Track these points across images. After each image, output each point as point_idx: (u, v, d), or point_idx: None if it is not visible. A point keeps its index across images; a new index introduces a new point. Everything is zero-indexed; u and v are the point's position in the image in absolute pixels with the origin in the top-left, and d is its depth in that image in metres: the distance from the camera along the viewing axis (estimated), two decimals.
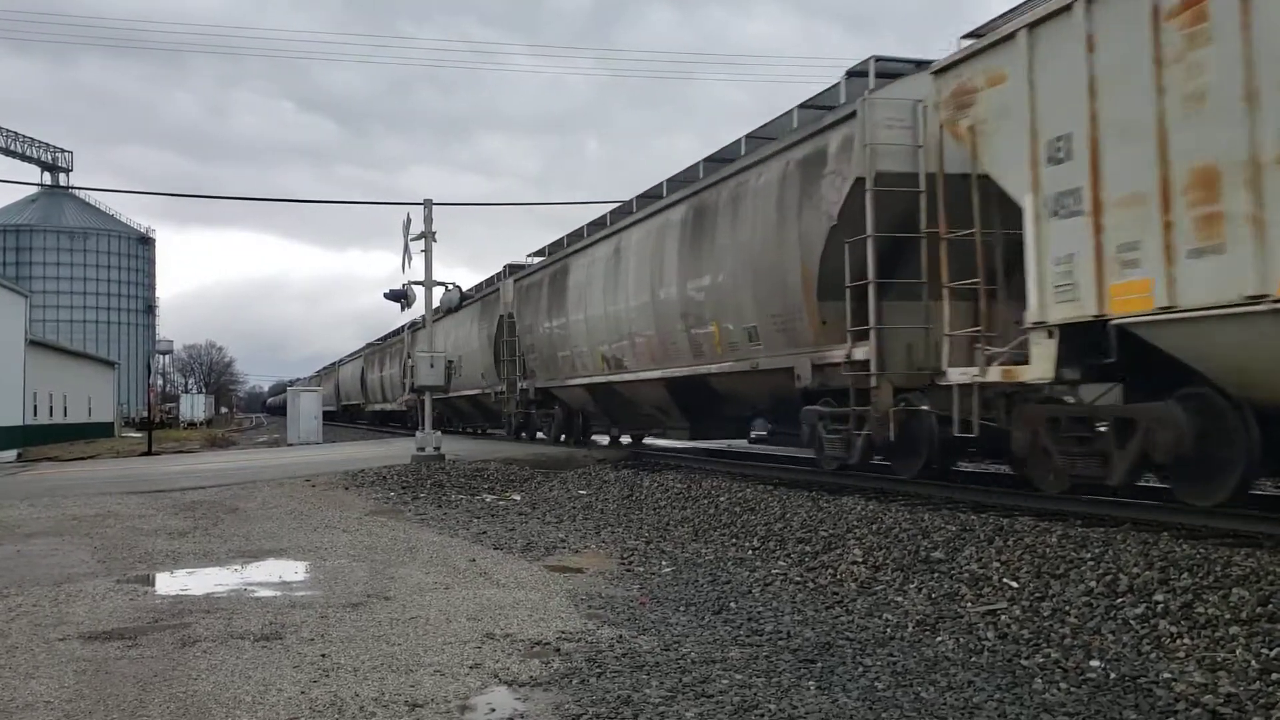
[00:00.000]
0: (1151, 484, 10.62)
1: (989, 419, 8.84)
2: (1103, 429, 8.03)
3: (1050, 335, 7.85)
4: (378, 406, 48.11)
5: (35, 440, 40.28)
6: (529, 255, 23.92)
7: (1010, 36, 8.12)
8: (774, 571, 8.15)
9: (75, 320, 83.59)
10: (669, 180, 16.01)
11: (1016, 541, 7.37)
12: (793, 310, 11.45)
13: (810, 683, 4.99)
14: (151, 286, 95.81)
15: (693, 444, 18.49)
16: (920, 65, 10.18)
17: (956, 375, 9.07)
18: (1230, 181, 6.23)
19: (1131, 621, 5.70)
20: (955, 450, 10.25)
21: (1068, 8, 7.46)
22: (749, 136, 13.58)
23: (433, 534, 10.62)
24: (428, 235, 19.01)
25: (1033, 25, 7.86)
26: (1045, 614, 6.11)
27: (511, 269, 24.55)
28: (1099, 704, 4.65)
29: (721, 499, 11.49)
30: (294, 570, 8.51)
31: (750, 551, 9.14)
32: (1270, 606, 5.39)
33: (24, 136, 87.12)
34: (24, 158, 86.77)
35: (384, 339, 46.78)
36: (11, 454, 32.01)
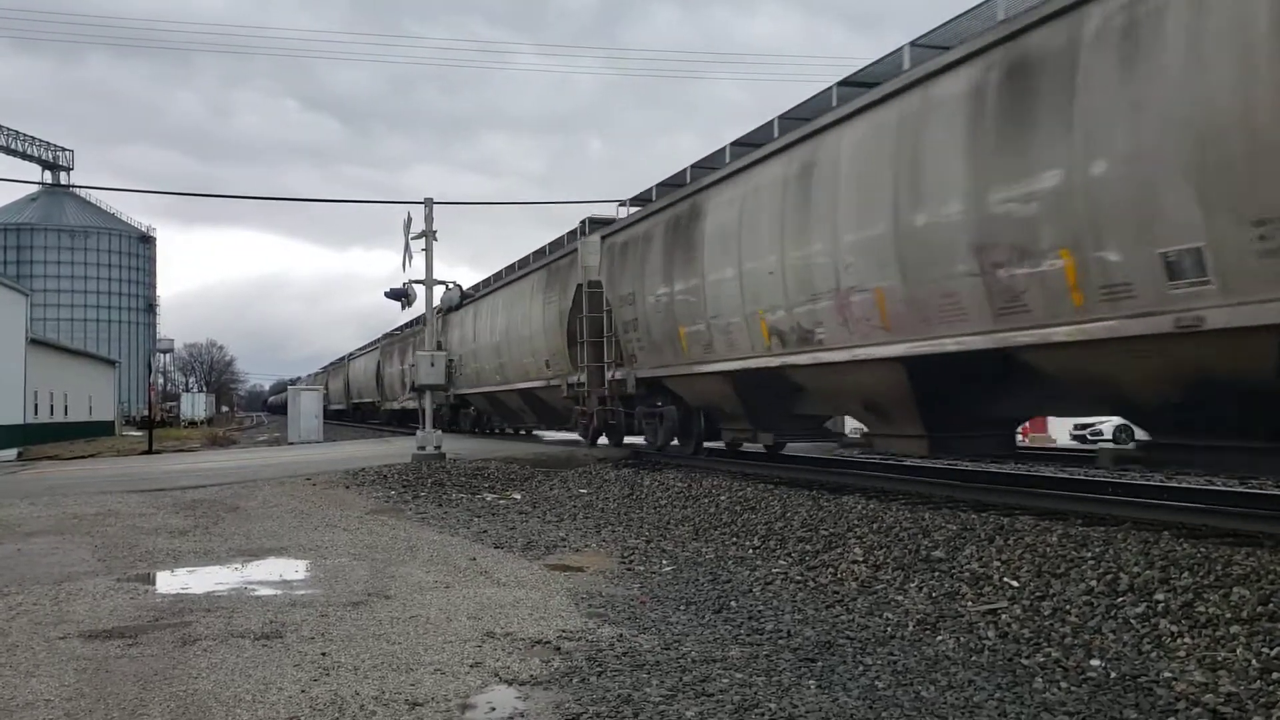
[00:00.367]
0: (1153, 483, 10.62)
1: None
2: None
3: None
4: (396, 404, 42.88)
5: (36, 439, 40.31)
6: (622, 204, 18.09)
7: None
8: (774, 570, 8.15)
9: (76, 319, 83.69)
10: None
11: (1017, 540, 7.37)
12: None
13: (811, 681, 4.99)
14: (152, 285, 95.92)
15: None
16: None
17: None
18: None
19: (1132, 620, 5.69)
20: None
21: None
22: None
23: (433, 533, 10.63)
24: (428, 234, 19.01)
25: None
26: (1046, 613, 6.11)
27: (594, 223, 19.38)
28: (1099, 703, 4.64)
29: (722, 498, 11.49)
30: (294, 569, 8.51)
31: (751, 550, 9.14)
32: (1271, 605, 5.39)
33: (25, 135, 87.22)
34: (25, 156, 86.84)
35: (405, 328, 41.57)
36: (12, 453, 32.02)
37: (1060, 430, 27.35)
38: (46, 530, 10.91)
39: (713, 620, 6.44)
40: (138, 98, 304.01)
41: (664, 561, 8.77)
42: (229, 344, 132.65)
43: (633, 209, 17.37)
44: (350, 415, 59.56)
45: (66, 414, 50.15)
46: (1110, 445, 19.51)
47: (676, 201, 14.72)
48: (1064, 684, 4.95)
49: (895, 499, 9.99)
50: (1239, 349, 6.56)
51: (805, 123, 11.44)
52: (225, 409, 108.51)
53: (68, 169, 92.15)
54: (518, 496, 14.35)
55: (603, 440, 20.04)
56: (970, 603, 6.58)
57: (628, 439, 19.08)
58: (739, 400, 13.62)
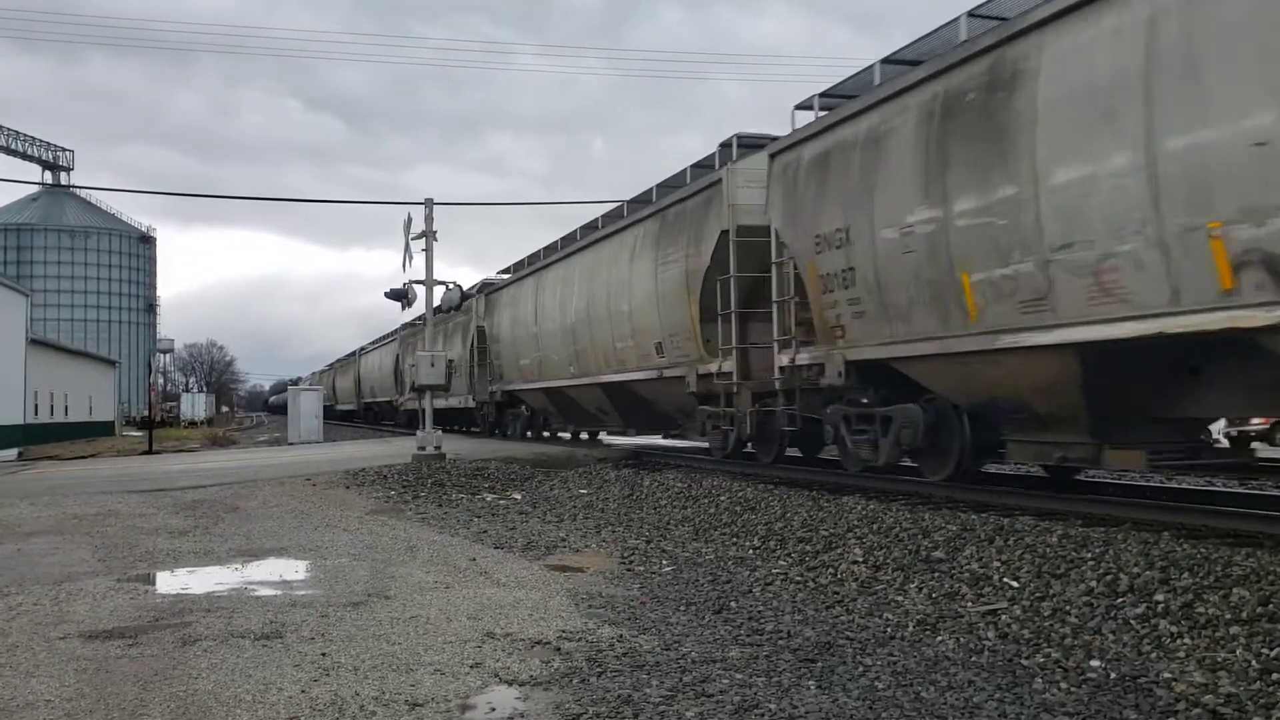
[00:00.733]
0: (1153, 483, 10.63)
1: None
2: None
3: None
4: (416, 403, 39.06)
5: (36, 439, 40.30)
6: (804, 107, 11.84)
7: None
8: (774, 571, 8.15)
9: (76, 319, 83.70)
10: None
11: (1017, 541, 7.37)
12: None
13: (810, 682, 4.99)
14: (152, 285, 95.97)
15: (693, 443, 18.35)
16: None
17: None
18: None
19: (1132, 621, 5.69)
20: None
21: None
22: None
23: (433, 533, 10.63)
24: (428, 234, 19.02)
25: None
26: (1046, 614, 6.11)
27: (748, 143, 14.22)
28: (1099, 704, 4.65)
29: (722, 498, 11.49)
30: (294, 569, 8.51)
31: (751, 551, 9.14)
32: (1271, 606, 5.39)
33: (25, 135, 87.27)
34: (25, 156, 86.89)
35: (436, 312, 37.32)
36: (12, 453, 32.02)
37: None
38: (46, 530, 10.91)
39: (713, 621, 6.45)
40: (139, 97, 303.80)
41: (664, 562, 8.78)
42: (229, 344, 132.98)
43: (821, 112, 11.50)
44: (363, 416, 53.87)
45: (66, 414, 50.15)
46: None
47: (956, 65, 8.83)
48: (1064, 684, 4.96)
49: (895, 499, 9.99)
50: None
51: None
52: (225, 409, 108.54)
53: (68, 169, 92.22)
54: (518, 497, 14.35)
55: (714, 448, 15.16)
56: (970, 603, 6.58)
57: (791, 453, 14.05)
58: (1081, 394, 8.12)
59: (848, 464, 11.56)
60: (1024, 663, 5.37)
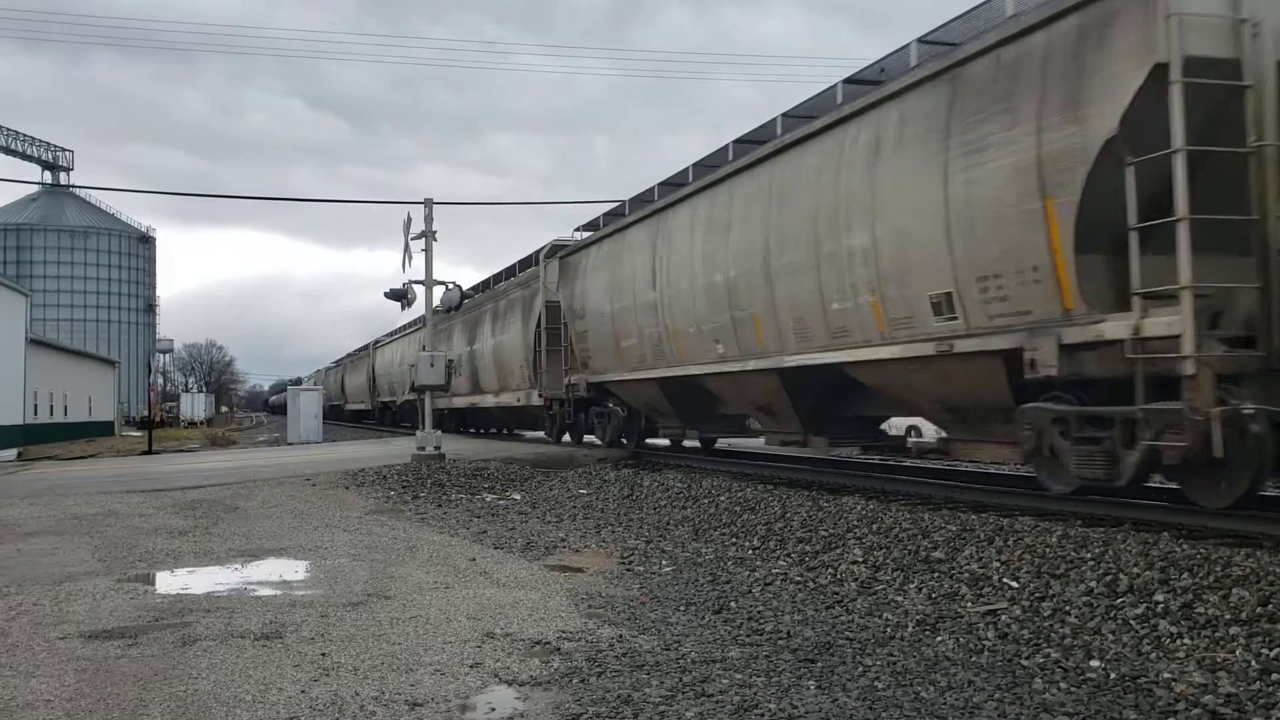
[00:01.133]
0: (1151, 483, 10.62)
1: None
2: None
3: None
4: (462, 400, 29.56)
5: (36, 439, 40.32)
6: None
7: None
8: (774, 571, 8.15)
9: (76, 319, 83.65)
10: None
11: (1016, 541, 7.37)
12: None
13: (810, 682, 4.99)
14: (152, 285, 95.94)
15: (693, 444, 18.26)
16: None
17: None
18: None
19: (1131, 621, 5.70)
20: None
21: None
22: None
23: (433, 533, 10.63)
24: (428, 234, 19.02)
25: None
26: (1045, 614, 6.11)
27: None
28: (1099, 704, 4.65)
29: (722, 499, 11.49)
30: (294, 569, 8.51)
31: (750, 551, 9.14)
32: (1270, 607, 5.40)
33: (25, 135, 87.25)
34: (25, 157, 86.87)
35: (487, 286, 28.00)
36: (12, 453, 32.00)
37: None
38: (46, 530, 10.91)
39: (712, 621, 6.45)
40: (143, 96, 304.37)
41: (664, 562, 8.78)
42: (229, 344, 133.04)
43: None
44: (377, 418, 46.81)
45: (66, 414, 50.16)
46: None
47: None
48: (1063, 685, 4.96)
49: (894, 500, 10.00)
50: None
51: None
52: (225, 409, 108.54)
53: (68, 169, 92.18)
54: (517, 497, 14.35)
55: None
56: (970, 603, 6.58)
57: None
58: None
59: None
60: (1024, 663, 5.37)
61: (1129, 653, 5.37)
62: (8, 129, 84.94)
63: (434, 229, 19.04)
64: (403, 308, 20.45)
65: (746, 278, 12.40)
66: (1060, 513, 8.40)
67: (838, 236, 10.47)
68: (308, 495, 14.08)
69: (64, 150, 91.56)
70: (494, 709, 4.59)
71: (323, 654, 5.53)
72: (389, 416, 44.51)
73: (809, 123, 11.41)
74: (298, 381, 71.81)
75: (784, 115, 12.63)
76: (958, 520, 8.28)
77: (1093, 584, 6.29)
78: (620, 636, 5.89)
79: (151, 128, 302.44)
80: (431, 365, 18.96)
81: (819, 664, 5.34)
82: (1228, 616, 5.43)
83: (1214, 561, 6.13)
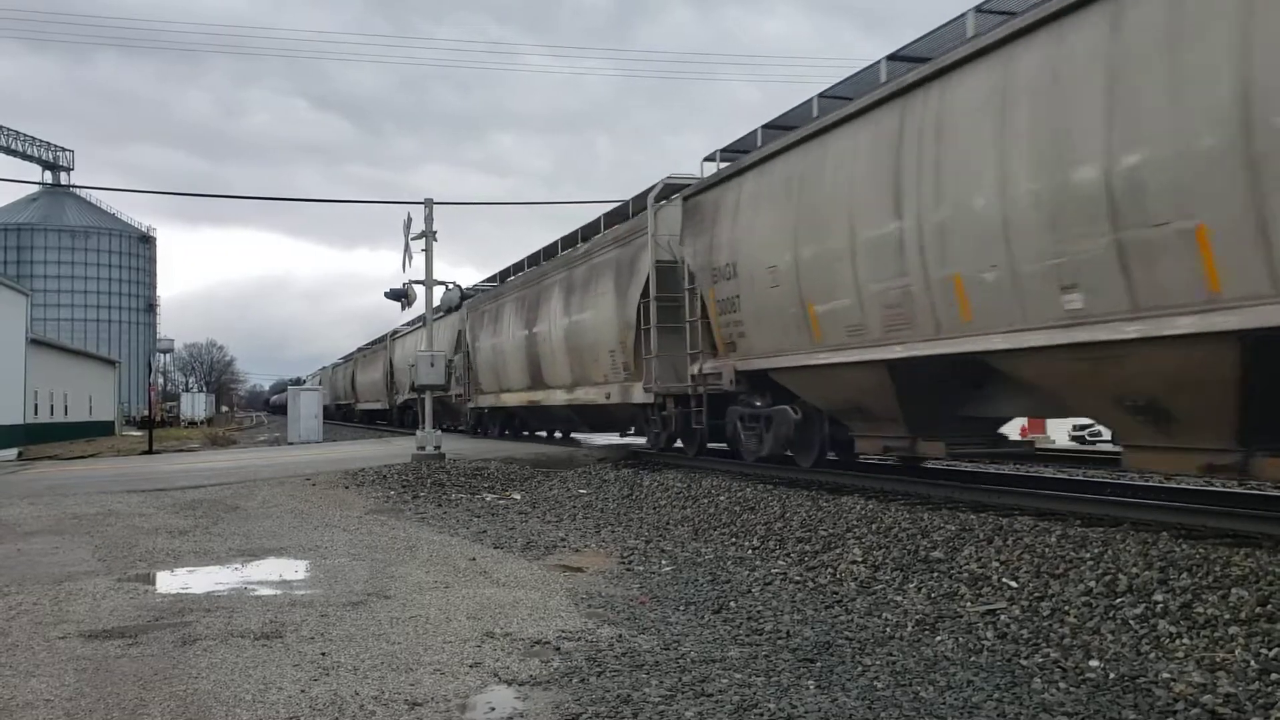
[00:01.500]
0: (1151, 483, 10.63)
1: None
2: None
3: None
4: (515, 398, 23.64)
5: (36, 439, 40.34)
6: None
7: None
8: (774, 571, 8.15)
9: (76, 319, 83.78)
10: None
11: (1016, 541, 7.38)
12: None
13: (810, 682, 4.99)
14: (152, 285, 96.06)
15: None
16: None
17: None
18: None
19: (1131, 621, 5.70)
20: None
21: None
22: None
23: (433, 533, 10.63)
24: (428, 234, 19.02)
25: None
26: (1044, 614, 6.11)
27: None
28: (1098, 704, 4.65)
29: (721, 498, 11.50)
30: (294, 569, 8.51)
31: (750, 551, 9.15)
32: (1269, 606, 5.40)
33: (25, 135, 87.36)
34: (25, 157, 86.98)
35: (546, 256, 22.92)
36: (12, 453, 32.02)
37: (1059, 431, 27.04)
38: (46, 530, 10.92)
39: (712, 620, 6.45)
40: (148, 96, 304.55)
41: (663, 562, 8.78)
42: (230, 344, 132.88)
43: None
44: (396, 419, 40.69)
45: (67, 414, 50.18)
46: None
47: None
48: (1063, 684, 4.96)
49: (894, 499, 10.00)
50: None
51: None
52: (225, 409, 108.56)
53: (68, 169, 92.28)
54: (517, 497, 14.36)
55: None
56: (969, 603, 6.58)
57: None
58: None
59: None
60: (1023, 663, 5.37)
61: (1128, 652, 5.37)
62: (8, 129, 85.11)
63: (434, 229, 19.04)
64: (403, 308, 20.47)
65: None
66: (1060, 513, 8.41)
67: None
68: (308, 495, 14.08)
69: (64, 150, 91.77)
70: (494, 709, 4.59)
71: (323, 653, 5.53)
72: (409, 418, 36.26)
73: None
74: (298, 381, 71.30)
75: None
76: (957, 520, 8.29)
77: (1092, 584, 6.30)
78: (620, 636, 5.90)
79: (155, 128, 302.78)
80: (432, 365, 18.97)
81: (818, 664, 5.35)
82: (1227, 616, 5.44)
83: (1213, 561, 6.14)
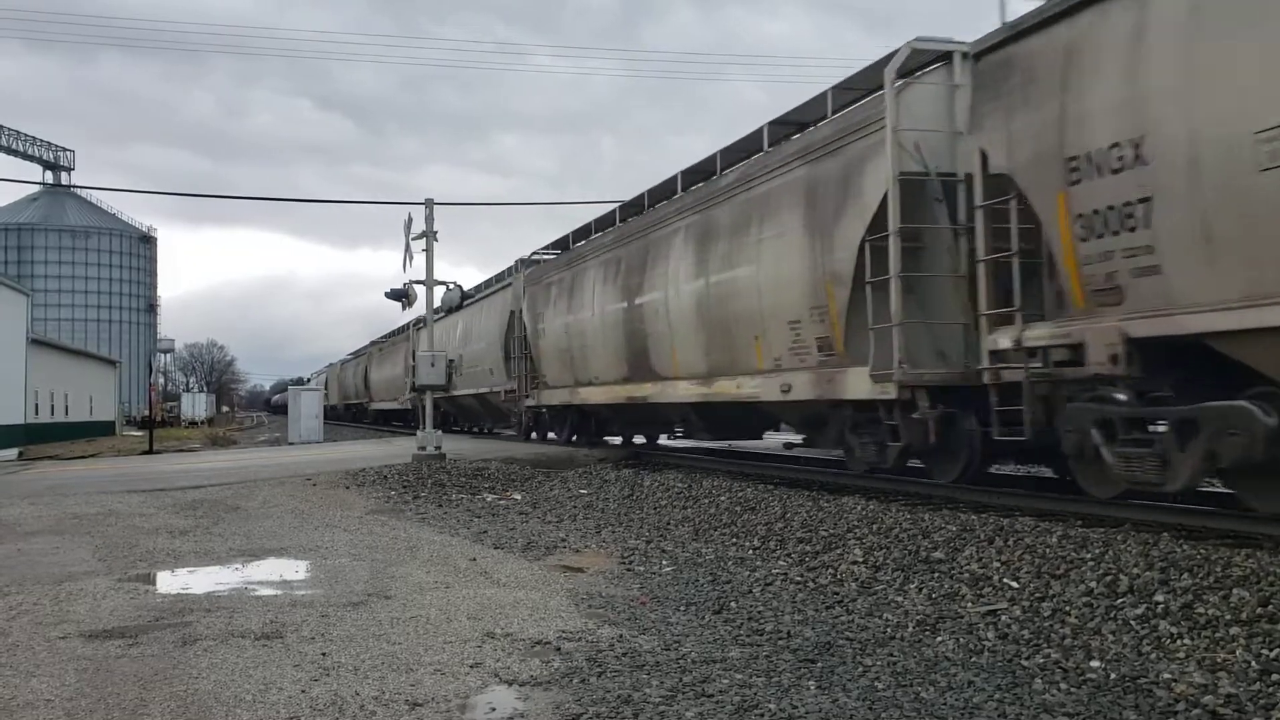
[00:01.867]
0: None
1: None
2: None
3: None
4: (600, 392, 18.04)
5: (37, 439, 40.33)
6: None
7: None
8: (774, 571, 8.15)
9: (77, 319, 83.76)
10: None
11: (1017, 541, 7.37)
12: None
13: (810, 682, 4.99)
14: (153, 285, 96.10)
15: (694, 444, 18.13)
16: None
17: None
18: None
19: (1132, 622, 5.70)
20: None
21: None
22: None
23: (433, 533, 10.63)
24: (429, 235, 19.02)
25: None
26: (1045, 614, 6.11)
27: None
28: (1099, 704, 4.65)
29: (722, 498, 11.50)
30: (295, 569, 8.51)
31: (751, 551, 9.14)
32: (1270, 607, 5.39)
33: (26, 135, 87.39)
34: (26, 156, 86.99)
35: (597, 228, 19.26)
36: (13, 452, 32.02)
37: None
38: (47, 530, 10.92)
39: (712, 621, 6.45)
40: (150, 97, 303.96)
41: (664, 562, 8.78)
42: (231, 344, 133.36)
43: None
44: (412, 418, 34.22)
45: (67, 414, 50.19)
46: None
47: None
48: (1064, 685, 4.96)
49: (895, 500, 10.00)
50: None
51: None
52: (226, 409, 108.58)
53: (69, 169, 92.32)
54: (518, 497, 14.35)
55: None
56: (970, 604, 6.58)
57: None
58: None
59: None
60: (1024, 663, 5.37)
61: (1129, 653, 5.37)
62: (9, 129, 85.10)
63: (435, 229, 19.04)
64: (404, 307, 20.46)
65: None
66: (1060, 513, 8.40)
67: None
68: (308, 495, 14.08)
69: (65, 150, 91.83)
70: (494, 709, 4.59)
71: (323, 654, 5.53)
72: (437, 419, 26.63)
73: None
74: (299, 381, 70.95)
75: None
76: (958, 520, 8.28)
77: (1093, 584, 6.29)
78: (620, 636, 5.89)
79: (157, 128, 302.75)
80: (432, 365, 18.98)
81: (819, 664, 5.34)
82: (1228, 617, 5.43)
83: (1214, 562, 6.13)
